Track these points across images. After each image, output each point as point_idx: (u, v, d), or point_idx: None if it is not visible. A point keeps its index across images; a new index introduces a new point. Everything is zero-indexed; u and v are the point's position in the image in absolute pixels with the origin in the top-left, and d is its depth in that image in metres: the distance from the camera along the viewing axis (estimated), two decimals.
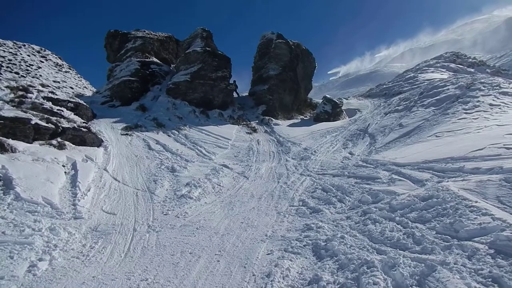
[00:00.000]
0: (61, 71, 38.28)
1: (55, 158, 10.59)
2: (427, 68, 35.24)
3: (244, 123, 22.39)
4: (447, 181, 7.45)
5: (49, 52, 40.52)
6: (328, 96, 28.20)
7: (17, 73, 30.26)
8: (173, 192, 10.43)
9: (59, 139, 12.01)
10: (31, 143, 11.05)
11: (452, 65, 35.87)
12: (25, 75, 30.16)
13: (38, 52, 38.80)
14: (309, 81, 32.93)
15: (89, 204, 8.83)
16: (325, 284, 4.87)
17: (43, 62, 37.00)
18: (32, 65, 34.32)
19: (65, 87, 31.81)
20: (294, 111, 28.34)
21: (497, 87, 17.49)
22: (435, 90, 20.20)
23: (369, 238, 6.06)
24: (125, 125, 17.45)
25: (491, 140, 9.43)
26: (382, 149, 13.98)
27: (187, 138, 17.11)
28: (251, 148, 16.87)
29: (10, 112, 11.30)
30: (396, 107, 21.31)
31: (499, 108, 14.77)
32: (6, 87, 13.13)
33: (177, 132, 17.78)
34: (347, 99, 33.71)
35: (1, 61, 31.32)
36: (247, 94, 29.86)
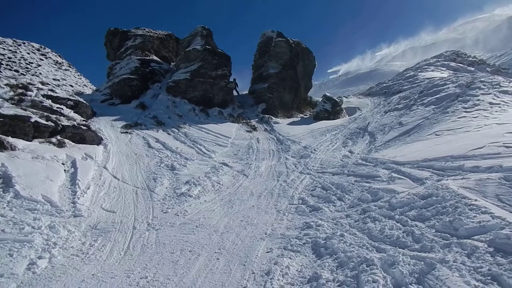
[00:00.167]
0: (61, 69, 38.24)
1: (55, 156, 10.59)
2: (427, 66, 35.21)
3: (244, 121, 22.38)
4: (447, 180, 7.45)
5: (49, 50, 40.48)
6: (328, 94, 28.19)
7: (16, 71, 30.24)
8: (173, 190, 10.43)
9: (58, 137, 12.01)
10: (31, 141, 11.05)
11: (452, 63, 35.83)
12: (24, 73, 30.15)
13: (38, 50, 38.76)
14: (309, 79, 32.91)
15: (89, 202, 8.84)
16: (324, 282, 4.87)
17: (43, 60, 36.97)
18: (32, 63, 34.29)
19: (65, 85, 31.79)
20: (294, 109, 28.33)
21: (497, 86, 17.47)
22: (435, 89, 20.17)
23: (368, 236, 6.06)
24: (124, 123, 17.43)
25: (491, 139, 9.41)
26: (382, 148, 13.96)
27: (187, 136, 17.10)
28: (250, 146, 16.87)
29: (9, 110, 11.30)
30: (396, 106, 21.29)
31: (499, 107, 14.75)
32: (6, 85, 13.12)
33: (177, 130, 17.77)
34: (347, 97, 33.70)
35: (1, 59, 31.29)
36: (247, 92, 29.85)
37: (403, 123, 16.48)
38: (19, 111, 11.47)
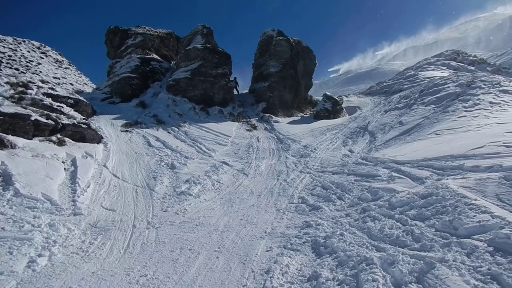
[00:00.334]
0: (61, 67, 38.21)
1: (55, 154, 10.59)
2: (427, 66, 35.23)
3: (244, 120, 22.37)
4: (447, 179, 7.45)
5: (49, 48, 40.44)
6: (328, 93, 28.20)
7: (17, 69, 30.21)
8: (173, 189, 10.43)
9: (58, 135, 12.01)
10: (31, 139, 11.05)
11: (453, 63, 35.85)
12: (25, 71, 30.11)
13: (38, 48, 38.72)
14: (309, 78, 32.90)
15: (89, 200, 8.84)
16: (324, 280, 4.88)
17: (43, 58, 36.94)
18: (32, 61, 34.26)
19: (65, 84, 31.77)
20: (294, 108, 28.32)
21: (498, 85, 17.45)
22: (435, 88, 20.16)
23: (368, 235, 6.06)
24: (125, 121, 17.44)
25: (491, 138, 9.41)
26: (382, 147, 13.97)
27: (187, 135, 17.10)
28: (251, 145, 16.87)
29: (10, 108, 11.30)
30: (396, 105, 21.29)
31: (499, 106, 14.73)
32: (6, 83, 13.11)
33: (177, 129, 17.77)
34: (347, 96, 33.73)
35: (1, 57, 31.27)
36: (247, 91, 29.83)
37: (403, 122, 16.47)
38: (19, 109, 11.47)
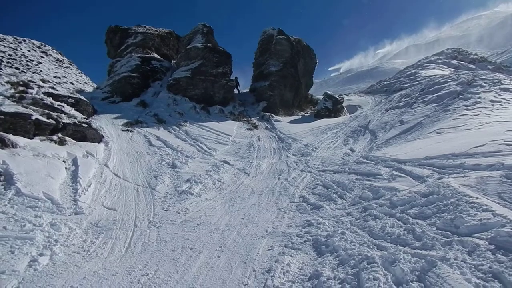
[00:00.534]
0: (62, 66, 38.21)
1: (56, 153, 10.60)
2: (428, 64, 35.18)
3: (245, 119, 22.36)
4: (448, 178, 7.45)
5: (50, 48, 40.43)
6: (329, 92, 28.16)
7: (17, 68, 30.21)
8: (174, 188, 10.43)
9: (59, 135, 12.02)
10: (32, 138, 11.05)
11: (453, 61, 35.80)
12: (25, 71, 30.10)
13: (39, 47, 38.72)
14: (310, 77, 32.87)
15: (90, 199, 8.85)
16: (325, 279, 4.88)
17: (43, 57, 36.93)
18: (33, 60, 34.25)
19: (66, 83, 31.77)
20: (295, 107, 28.31)
21: (498, 84, 17.45)
22: (436, 87, 20.16)
23: (369, 234, 6.07)
24: (125, 121, 17.44)
25: (492, 137, 9.41)
26: (383, 146, 13.97)
27: (188, 134, 17.10)
28: (251, 145, 16.86)
29: (10, 107, 11.31)
30: (397, 104, 21.29)
31: (500, 105, 14.74)
32: (7, 82, 13.13)
33: (177, 128, 17.77)
34: (348, 95, 33.71)
35: (2, 56, 31.27)
36: (247, 90, 29.82)
37: (404, 121, 16.48)
38: (20, 109, 11.48)
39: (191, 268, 5.72)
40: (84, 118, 14.29)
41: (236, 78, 27.41)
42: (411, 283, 4.21)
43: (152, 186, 10.42)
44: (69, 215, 7.77)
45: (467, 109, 14.76)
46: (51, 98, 13.69)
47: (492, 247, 4.42)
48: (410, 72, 32.99)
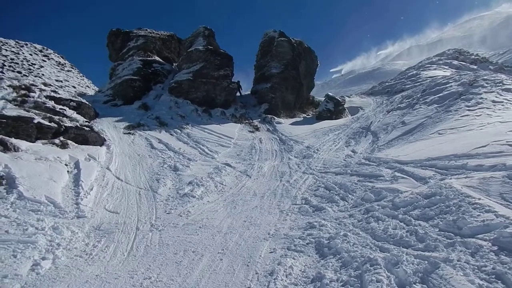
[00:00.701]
0: (64, 70, 38.31)
1: (58, 157, 10.61)
2: (429, 65, 35.17)
3: (247, 121, 22.37)
4: (450, 179, 7.42)
5: (51, 51, 40.55)
6: (330, 94, 28.17)
7: (19, 72, 30.29)
8: (176, 191, 10.44)
9: (61, 138, 12.04)
10: (34, 142, 11.07)
11: (455, 62, 35.81)
12: (27, 74, 30.19)
13: (41, 51, 38.84)
14: (311, 79, 32.86)
15: (92, 203, 8.86)
16: (328, 282, 4.87)
17: (45, 61, 37.04)
18: (35, 64, 34.36)
19: (68, 86, 31.83)
20: (296, 109, 28.30)
21: (500, 84, 17.42)
22: (437, 88, 20.13)
23: (372, 236, 6.05)
24: (127, 124, 17.47)
25: (494, 137, 9.38)
26: (385, 147, 13.95)
27: (190, 137, 17.12)
28: (253, 147, 16.86)
29: (12, 111, 11.34)
30: (399, 105, 21.26)
31: (502, 105, 14.71)
32: (9, 86, 13.16)
33: (179, 131, 17.79)
34: (349, 97, 33.68)
35: (4, 60, 31.38)
36: (249, 92, 29.84)
37: (406, 122, 16.45)
38: (22, 112, 11.50)
39: (194, 271, 5.71)
40: (86, 121, 14.32)
41: (238, 82, 27.46)
42: (414, 285, 4.20)
43: (154, 189, 10.43)
44: (71, 219, 7.77)
45: (469, 110, 14.74)
46: (53, 101, 13.71)
47: (495, 248, 4.40)
48: (412, 73, 32.99)
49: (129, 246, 6.88)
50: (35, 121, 11.42)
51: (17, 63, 32.39)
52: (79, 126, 13.19)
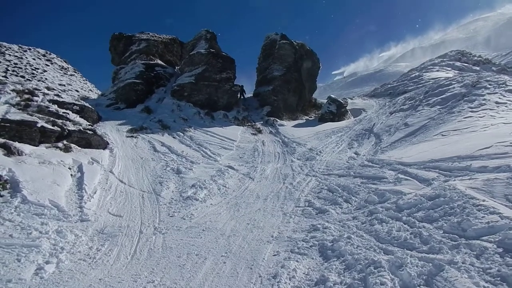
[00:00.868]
0: (67, 74, 38.47)
1: (61, 160, 10.64)
2: (432, 67, 35.12)
3: (249, 124, 22.38)
4: (454, 180, 7.41)
5: (54, 56, 40.74)
6: (332, 96, 28.16)
7: (22, 76, 30.45)
8: (179, 193, 10.43)
9: (65, 142, 12.07)
10: (37, 146, 11.11)
11: (458, 63, 35.73)
12: (30, 79, 30.34)
13: (44, 55, 39.02)
14: (313, 81, 32.84)
15: (96, 206, 8.86)
16: (332, 284, 4.86)
17: (48, 65, 37.21)
18: (38, 68, 34.53)
19: (71, 90, 31.98)
20: (298, 111, 28.28)
21: (503, 85, 17.38)
22: (440, 89, 20.09)
23: (376, 238, 6.04)
24: (130, 127, 17.49)
25: (498, 138, 9.36)
26: (388, 149, 13.93)
27: (192, 139, 17.13)
28: (256, 149, 16.86)
29: (16, 115, 11.38)
30: (401, 107, 21.22)
31: (506, 106, 14.67)
32: (12, 90, 13.20)
33: (182, 134, 17.81)
34: (352, 99, 33.64)
35: (7, 65, 31.54)
36: (251, 95, 29.88)
37: (409, 124, 16.42)
38: (25, 117, 11.55)
39: (197, 275, 5.71)
40: (89, 125, 14.36)
41: (241, 86, 27.56)
42: None
43: (157, 192, 10.43)
44: (75, 222, 7.77)
45: (472, 111, 14.70)
46: (56, 105, 13.76)
47: (500, 250, 4.38)
48: (414, 74, 32.93)
49: (132, 249, 6.88)
50: (39, 125, 11.46)
51: (21, 68, 32.56)
52: (82, 129, 13.23)
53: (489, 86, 17.49)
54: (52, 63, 38.44)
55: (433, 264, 4.48)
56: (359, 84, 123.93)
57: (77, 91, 33.27)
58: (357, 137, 17.93)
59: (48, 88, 16.46)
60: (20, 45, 37.61)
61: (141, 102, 22.42)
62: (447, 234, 5.25)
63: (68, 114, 13.83)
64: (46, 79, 32.58)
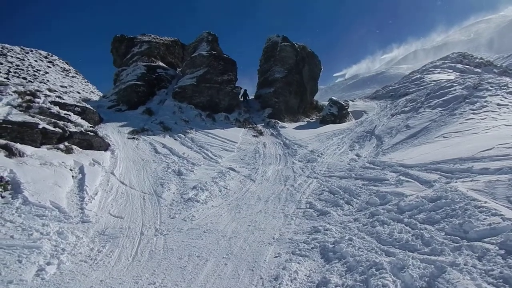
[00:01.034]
0: (68, 76, 38.58)
1: (63, 162, 10.65)
2: (433, 69, 35.09)
3: (250, 126, 22.38)
4: (456, 182, 7.40)
5: (56, 58, 40.88)
6: (334, 98, 28.12)
7: (24, 78, 30.54)
8: (180, 195, 10.42)
9: (66, 143, 12.08)
10: (39, 147, 11.11)
11: (459, 65, 35.71)
12: (32, 80, 30.44)
13: (46, 57, 39.14)
14: (314, 83, 32.84)
15: (97, 208, 8.86)
16: (333, 287, 4.85)
17: (50, 67, 37.32)
18: (40, 70, 34.63)
19: (72, 92, 32.04)
20: (300, 113, 28.27)
21: (505, 87, 17.37)
22: (442, 91, 20.09)
23: (377, 240, 6.03)
24: (131, 129, 17.49)
25: (500, 140, 9.35)
26: (389, 151, 13.91)
27: (194, 141, 17.12)
28: (257, 151, 16.85)
29: (18, 116, 11.40)
30: (403, 109, 21.21)
31: (507, 108, 14.67)
32: (14, 92, 13.22)
33: (183, 136, 17.80)
34: (353, 101, 33.62)
35: (9, 67, 31.63)
36: (253, 97, 29.88)
37: (410, 125, 16.42)
38: (27, 118, 11.56)
39: (198, 276, 5.70)
40: (90, 126, 14.36)
41: (245, 90, 27.64)
42: None
43: (158, 193, 10.42)
44: (76, 224, 7.78)
45: (473, 113, 14.70)
46: (57, 107, 13.77)
47: (502, 252, 4.37)
48: (416, 77, 32.93)
49: (133, 251, 6.87)
50: (40, 127, 11.47)
51: (22, 70, 32.66)
52: (83, 131, 13.23)
53: (491, 88, 17.48)
54: (54, 65, 38.56)
55: (435, 266, 4.47)
56: (360, 86, 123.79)
57: (78, 92, 33.34)
58: (359, 139, 17.91)
59: (49, 90, 16.49)
60: (22, 46, 37.76)
61: (142, 104, 22.43)
62: (449, 236, 5.24)
63: (70, 115, 13.83)
64: (48, 81, 32.69)
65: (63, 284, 5.47)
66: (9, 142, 10.15)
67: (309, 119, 27.62)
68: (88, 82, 41.28)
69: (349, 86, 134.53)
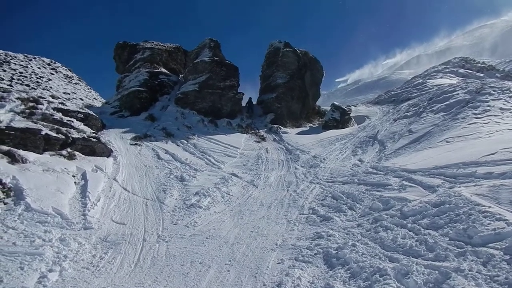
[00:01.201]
0: (71, 83, 38.76)
1: (65, 168, 10.66)
2: (435, 74, 35.10)
3: (253, 131, 22.39)
4: (459, 187, 7.36)
5: (59, 65, 41.09)
6: (336, 103, 28.13)
7: (27, 85, 30.70)
8: (183, 201, 10.40)
9: (69, 150, 12.10)
10: (42, 153, 11.13)
11: (461, 70, 35.70)
12: (35, 87, 30.58)
13: (49, 64, 39.36)
14: (317, 89, 32.89)
15: (99, 214, 8.85)
16: None
17: (53, 74, 37.51)
18: (43, 77, 34.80)
19: (75, 99, 32.19)
20: (302, 119, 28.29)
21: (507, 91, 17.34)
22: (444, 96, 20.07)
23: (381, 246, 5.98)
24: (134, 135, 17.51)
25: (503, 144, 9.31)
26: (392, 156, 13.87)
27: (196, 147, 17.13)
28: (260, 157, 16.83)
29: (21, 123, 11.43)
30: (405, 113, 21.19)
31: (510, 112, 14.63)
32: (17, 98, 13.26)
33: (186, 142, 17.81)
34: (355, 106, 33.63)
35: (13, 74, 31.80)
36: (255, 102, 29.95)
37: (413, 130, 16.38)
38: (30, 124, 11.59)
39: (201, 283, 5.67)
40: (93, 132, 14.40)
41: (250, 98, 27.78)
42: None
43: (160, 199, 10.41)
44: (78, 230, 7.77)
45: (476, 118, 14.66)
46: (60, 113, 13.81)
47: (508, 257, 4.33)
48: (418, 81, 32.93)
49: (136, 257, 6.85)
50: (43, 133, 11.50)
51: (26, 77, 32.84)
52: (86, 137, 13.26)
53: (493, 92, 17.45)
54: (57, 72, 38.75)
55: (440, 272, 4.44)
56: (363, 91, 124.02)
57: (81, 99, 33.48)
58: (361, 144, 17.88)
59: (52, 97, 16.54)
60: (25, 54, 37.99)
61: (145, 110, 22.48)
62: (453, 241, 5.20)
63: (73, 122, 13.87)
64: (51, 87, 32.84)
65: None
66: (11, 148, 10.17)
67: (311, 125, 27.63)
68: (91, 88, 41.48)
69: (352, 91, 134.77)
